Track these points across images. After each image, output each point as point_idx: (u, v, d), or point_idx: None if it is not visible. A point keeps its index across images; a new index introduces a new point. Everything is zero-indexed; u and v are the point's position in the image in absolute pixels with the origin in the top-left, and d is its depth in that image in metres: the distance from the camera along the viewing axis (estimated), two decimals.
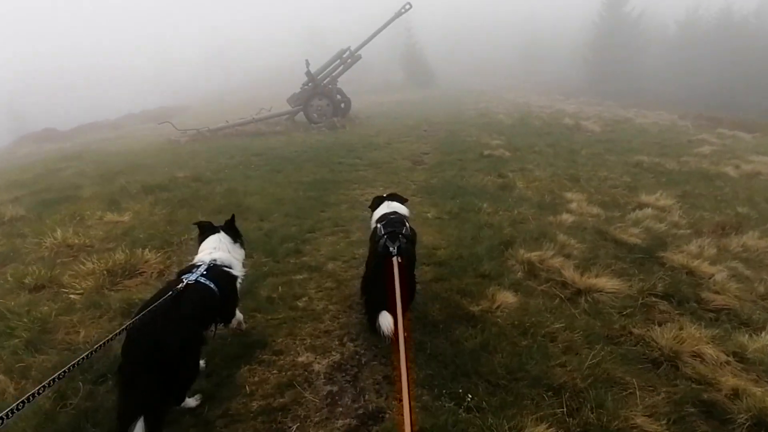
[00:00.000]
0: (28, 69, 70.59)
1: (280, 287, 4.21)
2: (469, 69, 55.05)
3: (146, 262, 4.53)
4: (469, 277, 4.39)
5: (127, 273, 4.41)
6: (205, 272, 2.70)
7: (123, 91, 57.80)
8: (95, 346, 1.91)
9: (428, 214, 6.38)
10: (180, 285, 2.47)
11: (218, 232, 3.14)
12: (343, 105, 17.39)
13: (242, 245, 3.26)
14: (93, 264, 4.44)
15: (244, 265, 3.18)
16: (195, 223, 3.30)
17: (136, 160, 10.98)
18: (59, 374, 1.67)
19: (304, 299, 4.05)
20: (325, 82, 16.77)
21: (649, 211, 6.33)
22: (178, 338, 2.29)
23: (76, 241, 5.27)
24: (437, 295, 4.07)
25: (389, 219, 3.55)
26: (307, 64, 16.07)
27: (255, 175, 8.90)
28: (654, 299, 4.06)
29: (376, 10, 29.89)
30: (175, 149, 12.79)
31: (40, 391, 1.56)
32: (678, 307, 3.98)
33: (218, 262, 2.87)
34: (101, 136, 20.75)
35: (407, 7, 16.50)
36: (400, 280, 2.70)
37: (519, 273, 4.47)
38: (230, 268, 2.95)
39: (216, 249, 2.99)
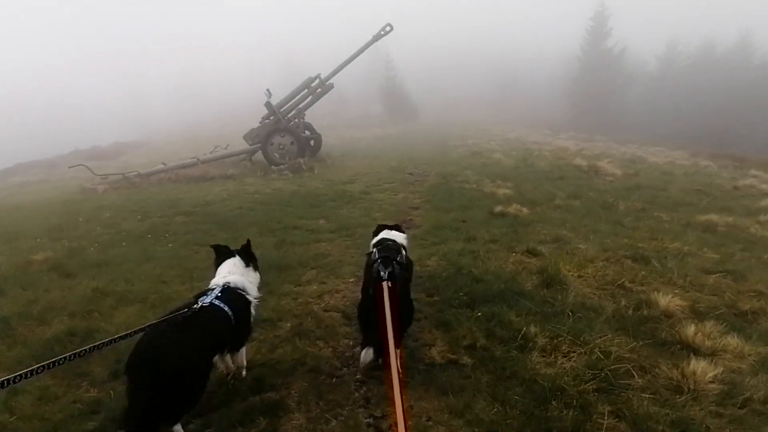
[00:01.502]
0: None
1: None
2: (449, 102, 53.89)
3: None
4: None
5: None
6: (219, 294, 2.70)
7: (87, 126, 54.18)
8: (116, 336, 1.97)
9: (433, 351, 3.51)
10: (194, 306, 2.47)
11: (234, 256, 3.14)
12: (312, 142, 14.67)
13: (256, 269, 3.27)
14: None
15: (259, 289, 3.17)
16: (212, 246, 3.25)
17: (11, 223, 7.83)
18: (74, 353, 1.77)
19: None
20: (289, 115, 14.04)
21: None
22: (180, 359, 2.22)
23: None
24: None
25: (386, 244, 3.45)
26: (268, 94, 13.36)
27: (162, 253, 5.89)
28: None
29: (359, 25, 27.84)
30: (80, 203, 9.61)
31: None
32: None
33: (232, 285, 2.88)
34: (24, 179, 17.37)
35: (387, 29, 14.09)
36: (391, 305, 2.58)
37: None
38: (244, 291, 2.94)
39: (230, 273, 3.00)
